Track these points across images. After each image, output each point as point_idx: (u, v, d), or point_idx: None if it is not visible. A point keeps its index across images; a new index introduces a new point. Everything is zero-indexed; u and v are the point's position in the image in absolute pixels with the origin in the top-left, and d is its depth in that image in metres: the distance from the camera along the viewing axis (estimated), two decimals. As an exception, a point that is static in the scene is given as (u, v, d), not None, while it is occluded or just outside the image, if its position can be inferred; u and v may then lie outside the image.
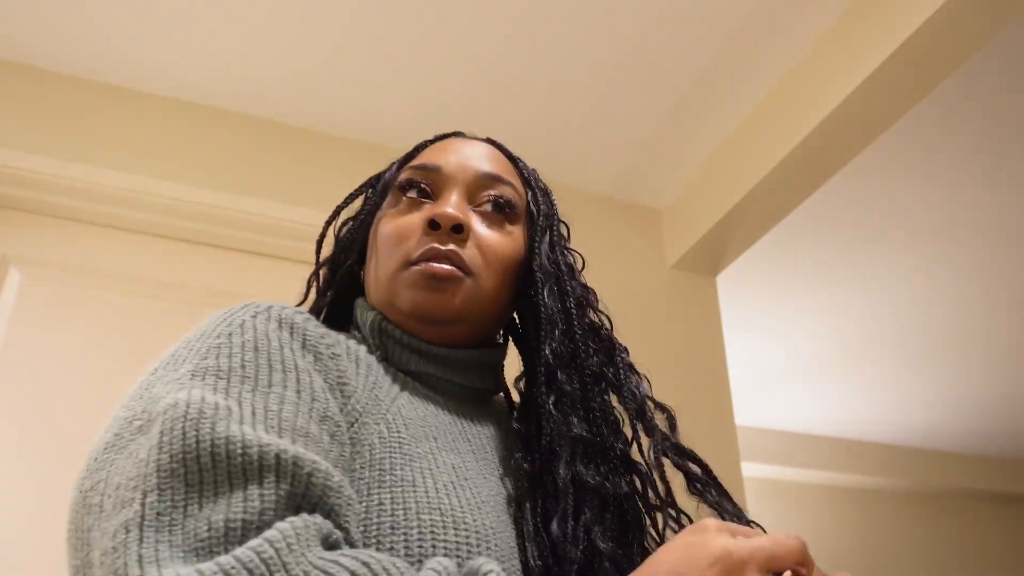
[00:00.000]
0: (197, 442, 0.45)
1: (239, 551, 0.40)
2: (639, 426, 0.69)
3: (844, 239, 2.53)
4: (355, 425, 0.58)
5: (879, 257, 2.63)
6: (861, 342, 3.23)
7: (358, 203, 0.81)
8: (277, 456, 0.45)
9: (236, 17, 1.70)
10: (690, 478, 0.65)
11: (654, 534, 0.67)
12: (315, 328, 0.61)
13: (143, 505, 0.43)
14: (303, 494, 0.45)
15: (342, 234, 0.80)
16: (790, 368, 3.48)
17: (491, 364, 0.75)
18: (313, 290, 0.81)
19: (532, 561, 0.58)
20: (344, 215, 0.82)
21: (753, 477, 4.08)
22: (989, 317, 3.02)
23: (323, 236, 0.81)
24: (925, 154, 2.14)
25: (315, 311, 0.79)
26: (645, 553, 0.65)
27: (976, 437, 4.24)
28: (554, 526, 0.60)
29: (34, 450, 1.51)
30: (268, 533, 0.41)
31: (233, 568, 0.39)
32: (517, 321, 0.80)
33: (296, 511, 0.45)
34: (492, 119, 1.96)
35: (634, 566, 0.60)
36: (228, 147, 1.90)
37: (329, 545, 0.44)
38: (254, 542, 0.40)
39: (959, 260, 2.65)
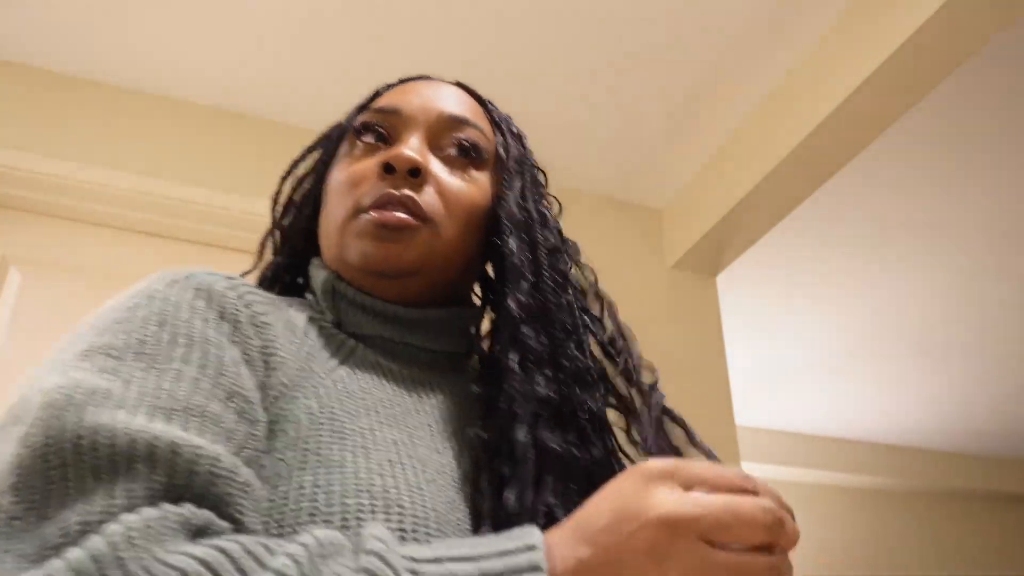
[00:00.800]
0: (61, 433, 0.39)
1: (71, 552, 0.34)
2: (622, 381, 0.63)
3: (844, 239, 2.53)
4: (280, 400, 0.52)
5: (879, 257, 2.63)
6: (861, 342, 3.23)
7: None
8: (150, 444, 0.40)
9: (237, 18, 1.70)
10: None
11: None
12: (241, 295, 0.55)
13: None
14: (185, 484, 0.40)
15: (296, 189, 0.75)
16: (790, 368, 3.48)
17: (458, 325, 0.68)
18: (269, 253, 0.74)
19: None
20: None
21: (753, 477, 4.08)
22: (989, 317, 3.02)
23: (278, 194, 0.75)
24: (925, 154, 2.14)
25: (269, 274, 0.73)
26: None
27: (976, 437, 4.24)
28: (511, 497, 0.53)
29: (34, 450, 1.51)
30: (108, 527, 0.36)
31: (58, 571, 0.34)
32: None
33: (176, 504, 0.39)
34: (492, 119, 1.96)
35: None
36: (228, 147, 1.90)
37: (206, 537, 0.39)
38: (90, 540, 0.35)
39: (959, 260, 2.65)
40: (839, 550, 4.17)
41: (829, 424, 4.07)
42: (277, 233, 0.74)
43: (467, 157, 0.66)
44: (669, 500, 0.39)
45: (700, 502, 0.39)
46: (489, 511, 0.53)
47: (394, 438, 0.54)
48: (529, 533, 0.41)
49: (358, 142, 0.67)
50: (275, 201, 0.75)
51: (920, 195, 2.31)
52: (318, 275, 0.66)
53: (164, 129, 1.86)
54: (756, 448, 3.97)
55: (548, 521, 0.52)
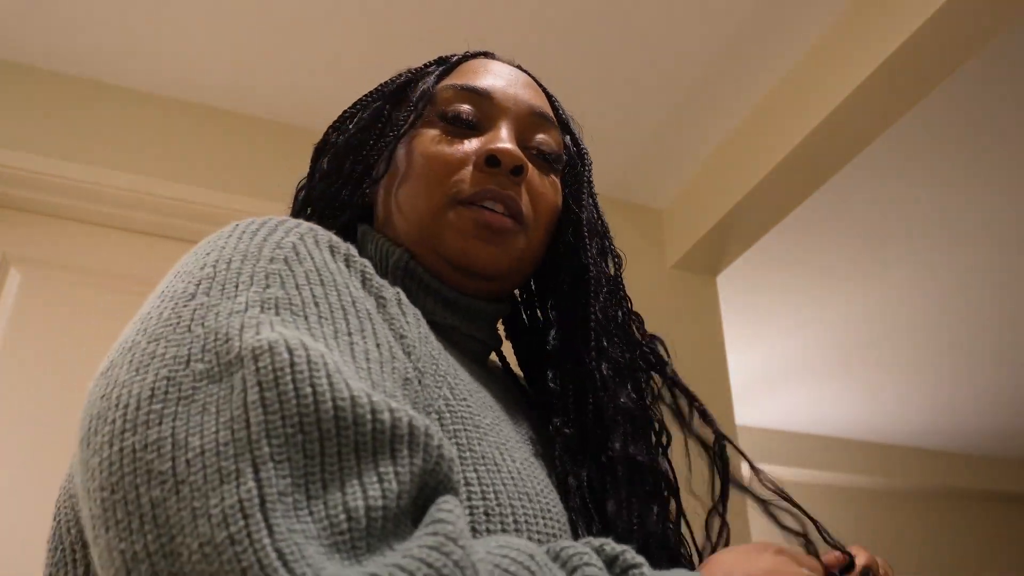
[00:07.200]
0: (316, 402, 0.35)
1: (418, 550, 0.32)
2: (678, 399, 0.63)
3: (844, 239, 2.53)
4: (421, 389, 0.48)
5: (879, 257, 2.63)
6: (861, 342, 3.23)
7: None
8: (410, 424, 0.36)
9: (237, 18, 1.70)
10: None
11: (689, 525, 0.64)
12: (366, 261, 0.49)
13: (258, 481, 0.32)
14: (433, 470, 0.37)
15: (357, 144, 0.66)
16: (790, 368, 3.48)
17: (499, 319, 0.68)
18: (303, 207, 0.68)
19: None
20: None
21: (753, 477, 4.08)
22: (989, 317, 3.02)
23: (324, 144, 0.69)
24: (924, 155, 2.14)
25: None
26: (676, 534, 0.61)
27: (976, 437, 4.24)
28: (611, 506, 0.54)
29: (34, 450, 1.51)
30: (442, 527, 0.33)
31: (413, 566, 0.31)
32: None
33: (421, 491, 0.36)
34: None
35: (676, 549, 0.58)
36: (228, 147, 1.90)
37: None
38: (430, 540, 0.32)
39: (959, 261, 2.65)
40: (839, 550, 4.16)
41: (829, 424, 4.07)
42: (324, 185, 0.67)
43: (546, 161, 0.65)
44: (777, 561, 0.47)
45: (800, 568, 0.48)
46: (581, 513, 0.53)
47: (514, 436, 0.53)
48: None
49: (445, 119, 0.62)
50: (318, 151, 0.69)
51: (920, 195, 2.31)
52: (388, 251, 0.61)
53: (164, 129, 1.86)
54: (756, 448, 3.96)
55: (639, 529, 0.55)
